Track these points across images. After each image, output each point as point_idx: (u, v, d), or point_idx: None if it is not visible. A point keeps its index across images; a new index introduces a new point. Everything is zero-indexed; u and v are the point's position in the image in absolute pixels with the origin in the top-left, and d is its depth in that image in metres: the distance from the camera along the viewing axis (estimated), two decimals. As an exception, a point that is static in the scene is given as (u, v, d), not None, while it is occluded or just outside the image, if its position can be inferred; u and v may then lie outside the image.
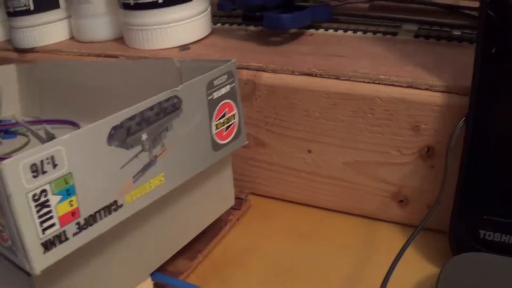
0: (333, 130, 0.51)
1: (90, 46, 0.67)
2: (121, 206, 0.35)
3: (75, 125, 0.59)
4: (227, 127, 0.45)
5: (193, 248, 0.48)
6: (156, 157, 0.38)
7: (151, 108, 0.37)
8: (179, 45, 0.61)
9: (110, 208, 0.35)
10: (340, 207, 0.54)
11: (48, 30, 0.69)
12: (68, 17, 0.71)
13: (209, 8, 0.64)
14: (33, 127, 0.60)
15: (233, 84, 0.44)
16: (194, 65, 0.48)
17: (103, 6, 0.66)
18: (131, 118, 0.35)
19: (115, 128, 0.34)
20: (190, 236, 0.47)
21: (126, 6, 0.60)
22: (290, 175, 0.55)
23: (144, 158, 0.37)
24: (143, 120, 0.36)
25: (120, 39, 0.66)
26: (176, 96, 0.38)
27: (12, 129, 0.61)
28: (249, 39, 0.61)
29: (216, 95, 0.42)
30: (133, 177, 0.36)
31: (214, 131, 0.43)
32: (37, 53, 0.69)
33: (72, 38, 0.71)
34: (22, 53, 0.70)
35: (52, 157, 0.31)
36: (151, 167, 0.37)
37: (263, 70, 0.53)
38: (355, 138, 0.50)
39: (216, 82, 0.42)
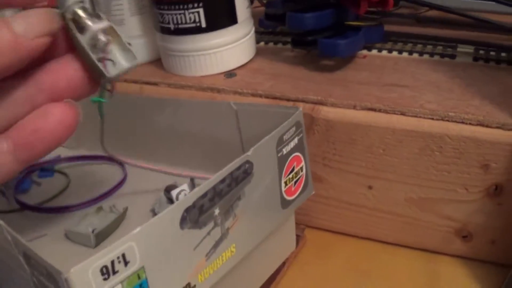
0: (397, 167, 0.53)
1: (125, 69, 0.68)
2: (194, 287, 0.37)
3: (120, 163, 0.62)
4: (296, 182, 0.47)
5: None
6: (228, 229, 0.39)
7: (222, 181, 0.38)
8: (224, 71, 0.63)
9: (183, 292, 0.36)
10: (400, 241, 0.57)
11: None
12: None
13: (253, 29, 0.66)
14: (74, 164, 0.62)
15: (301, 135, 0.46)
16: (252, 109, 0.50)
17: (137, 28, 0.68)
18: (203, 196, 0.36)
19: (187, 210, 0.35)
20: (255, 287, 0.50)
21: (166, 31, 0.62)
22: (348, 209, 0.58)
23: (216, 233, 0.38)
24: (215, 195, 0.37)
25: (157, 62, 0.68)
26: (247, 161, 0.40)
27: (48, 166, 0.64)
28: (298, 62, 0.64)
29: (285, 150, 0.44)
30: (206, 255, 0.38)
31: (283, 188, 0.45)
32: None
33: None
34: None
35: (123, 255, 0.31)
36: (223, 241, 0.39)
37: (322, 104, 0.55)
38: (419, 175, 0.53)
39: (285, 137, 0.44)
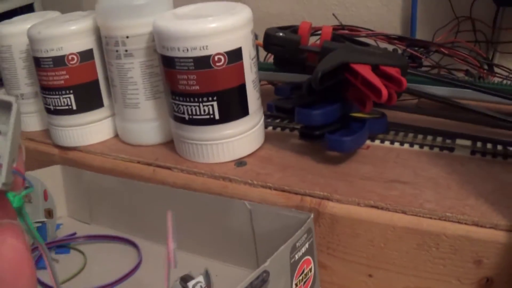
0: (396, 259, 0.59)
1: (138, 150, 0.74)
2: None
3: (135, 245, 0.67)
4: (305, 282, 0.52)
5: None
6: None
7: None
8: (235, 159, 0.68)
9: None
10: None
11: (91, 130, 0.77)
12: (112, 115, 0.78)
13: (263, 117, 0.71)
14: (91, 242, 0.68)
15: (311, 240, 0.51)
16: (265, 210, 0.55)
17: (152, 111, 0.74)
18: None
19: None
20: None
21: (180, 120, 0.68)
22: (350, 296, 0.63)
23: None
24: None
25: (169, 144, 0.74)
26: (265, 271, 0.45)
27: (65, 244, 0.69)
28: (304, 152, 0.69)
29: (297, 256, 0.50)
30: None
31: (294, 290, 0.51)
32: (80, 152, 0.76)
33: (116, 136, 0.79)
34: (63, 150, 0.78)
35: None
36: None
37: (328, 199, 0.60)
38: (417, 267, 0.58)
39: (298, 244, 0.49)
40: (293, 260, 0.49)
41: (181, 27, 0.64)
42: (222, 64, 0.64)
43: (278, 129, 0.77)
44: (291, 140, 0.73)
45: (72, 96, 0.76)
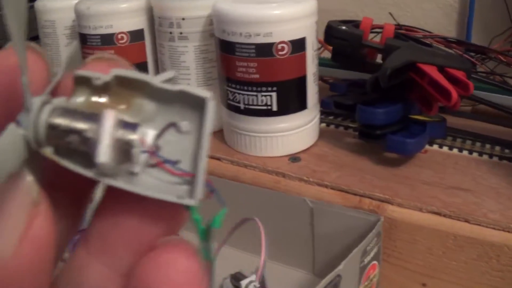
0: (453, 269, 0.58)
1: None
2: None
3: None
4: (369, 288, 0.52)
5: None
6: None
7: None
8: (289, 154, 0.68)
9: None
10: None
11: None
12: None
13: (319, 113, 0.71)
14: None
15: (379, 244, 0.51)
16: (328, 209, 0.55)
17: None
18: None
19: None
20: None
21: (234, 108, 0.67)
22: (400, 304, 0.63)
23: None
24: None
25: (218, 134, 0.73)
26: (338, 275, 0.45)
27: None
28: (360, 152, 0.69)
29: (366, 260, 0.49)
30: None
31: (359, 297, 0.50)
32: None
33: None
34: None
35: None
36: None
37: (388, 202, 0.60)
38: (473, 278, 0.58)
39: (368, 248, 0.49)
40: (362, 264, 0.48)
41: (245, 11, 0.63)
42: (285, 54, 0.63)
43: (332, 126, 0.77)
44: (346, 139, 0.73)
45: (117, 76, 0.75)
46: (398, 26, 0.81)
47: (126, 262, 0.22)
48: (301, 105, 0.66)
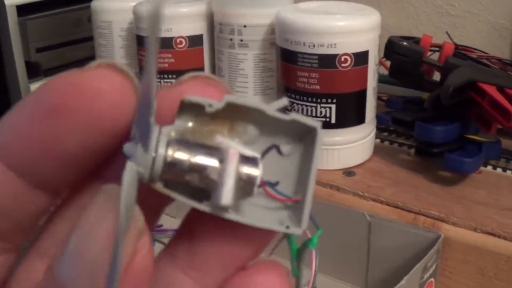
0: (503, 290, 0.59)
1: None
2: None
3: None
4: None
5: None
6: None
7: None
8: (343, 168, 0.69)
9: None
10: None
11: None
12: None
13: (375, 128, 0.72)
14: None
15: (437, 262, 0.52)
16: (387, 224, 0.56)
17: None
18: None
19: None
20: None
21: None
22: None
23: None
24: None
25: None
26: None
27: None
28: (415, 169, 0.70)
29: (425, 277, 0.50)
30: None
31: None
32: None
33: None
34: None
35: None
36: None
37: (443, 221, 0.61)
38: (524, 300, 0.59)
39: (428, 264, 0.50)
40: (421, 280, 0.49)
41: (310, 21, 0.65)
42: (348, 66, 0.65)
43: (386, 143, 0.78)
44: (400, 155, 0.74)
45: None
46: (456, 46, 0.82)
47: (217, 280, 0.22)
48: (359, 119, 0.68)
